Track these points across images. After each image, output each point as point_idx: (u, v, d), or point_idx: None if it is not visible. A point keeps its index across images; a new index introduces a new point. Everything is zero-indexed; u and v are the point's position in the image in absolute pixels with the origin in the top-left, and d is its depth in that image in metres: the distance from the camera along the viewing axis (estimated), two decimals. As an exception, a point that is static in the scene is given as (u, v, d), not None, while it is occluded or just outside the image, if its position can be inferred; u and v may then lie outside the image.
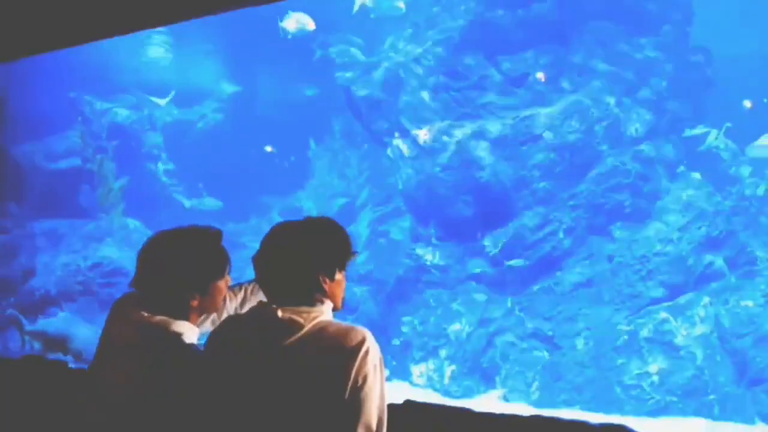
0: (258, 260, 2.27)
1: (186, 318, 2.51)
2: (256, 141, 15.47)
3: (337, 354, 2.08)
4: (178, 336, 2.43)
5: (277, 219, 13.95)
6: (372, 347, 2.11)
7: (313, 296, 2.21)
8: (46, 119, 12.23)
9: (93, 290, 11.13)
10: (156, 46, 14.83)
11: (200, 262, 2.52)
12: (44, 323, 9.16)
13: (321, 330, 2.14)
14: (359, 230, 13.62)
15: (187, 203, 14.53)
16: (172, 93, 15.23)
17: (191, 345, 2.45)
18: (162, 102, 15.11)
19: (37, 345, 8.93)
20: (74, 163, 12.49)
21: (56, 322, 9.18)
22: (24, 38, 3.98)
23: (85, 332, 8.76)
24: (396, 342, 10.53)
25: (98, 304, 10.88)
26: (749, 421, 8.63)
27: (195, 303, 2.51)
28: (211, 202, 14.67)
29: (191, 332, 2.50)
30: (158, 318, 2.44)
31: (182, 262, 2.48)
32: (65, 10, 3.59)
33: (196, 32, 14.92)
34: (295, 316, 2.13)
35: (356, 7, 12.51)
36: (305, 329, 2.12)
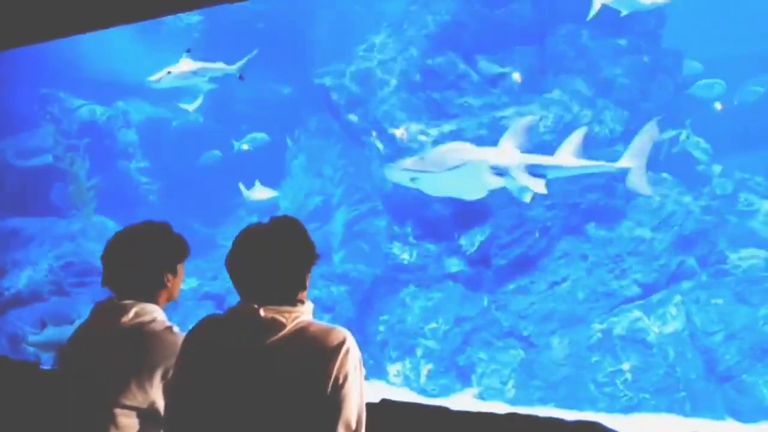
0: (237, 261, 2.25)
1: (156, 304, 2.68)
2: (232, 139, 15.34)
3: (318, 354, 2.10)
4: (154, 318, 2.59)
5: (245, 217, 13.85)
6: (352, 347, 2.15)
7: (295, 296, 2.22)
8: (17, 116, 12.03)
9: (65, 290, 10.96)
10: (131, 43, 14.65)
11: (168, 244, 2.75)
12: (54, 332, 8.59)
13: (302, 330, 2.15)
14: (335, 229, 13.60)
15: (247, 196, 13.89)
16: (201, 99, 15.02)
17: (171, 326, 2.60)
18: (190, 108, 14.91)
19: (46, 357, 8.41)
20: (46, 160, 12.30)
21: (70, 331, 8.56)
22: (-6, 33, 3.91)
23: None
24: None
25: (70, 303, 10.72)
26: (719, 417, 8.79)
27: (169, 284, 2.71)
28: (268, 192, 14.05)
29: (163, 315, 2.66)
30: (131, 303, 2.60)
31: (153, 245, 2.69)
32: (37, 5, 3.54)
33: (172, 29, 14.80)
34: (277, 316, 2.14)
35: None
36: (287, 329, 2.13)
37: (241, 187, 13.77)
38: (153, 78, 9.36)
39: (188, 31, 15.50)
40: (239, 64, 9.39)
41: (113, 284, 2.67)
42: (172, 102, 15.87)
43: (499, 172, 8.27)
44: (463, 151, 8.28)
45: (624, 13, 10.21)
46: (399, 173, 8.46)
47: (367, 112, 11.60)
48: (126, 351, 2.50)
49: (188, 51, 9.26)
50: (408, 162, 8.54)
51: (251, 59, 9.35)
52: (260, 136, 14.77)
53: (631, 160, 8.96)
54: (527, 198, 8.54)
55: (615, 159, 10.90)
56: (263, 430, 2.07)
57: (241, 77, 9.37)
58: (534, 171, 8.41)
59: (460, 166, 7.83)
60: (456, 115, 11.03)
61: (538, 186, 8.29)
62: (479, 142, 10.50)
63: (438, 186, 8.58)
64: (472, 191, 8.62)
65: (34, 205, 11.87)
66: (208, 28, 15.72)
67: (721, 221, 10.71)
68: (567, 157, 8.71)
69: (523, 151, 8.58)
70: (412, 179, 8.27)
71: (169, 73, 9.12)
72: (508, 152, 8.50)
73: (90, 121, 13.67)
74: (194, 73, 9.27)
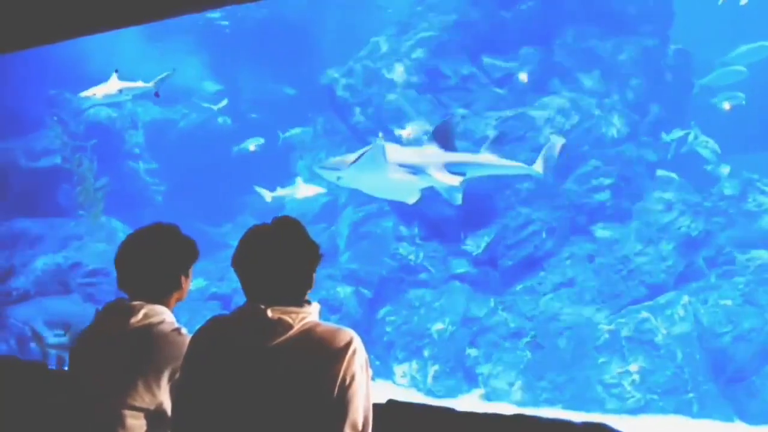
0: (244, 261, 2.25)
1: (166, 305, 2.69)
2: (238, 140, 15.41)
3: (324, 354, 2.10)
4: (163, 319, 2.60)
5: (251, 218, 13.83)
6: (359, 348, 2.15)
7: (302, 296, 2.23)
8: (25, 117, 12.08)
9: (73, 290, 11.00)
10: (138, 43, 14.71)
11: (182, 246, 2.75)
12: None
13: (309, 331, 2.15)
14: (341, 229, 13.59)
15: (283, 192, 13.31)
16: (226, 100, 15.51)
17: (179, 327, 2.60)
18: (215, 107, 15.37)
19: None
20: (54, 161, 12.35)
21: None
22: (2, 35, 3.93)
23: None
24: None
25: (79, 304, 10.75)
26: (728, 418, 8.75)
27: (183, 285, 2.74)
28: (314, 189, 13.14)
29: (172, 316, 2.66)
30: (139, 304, 2.61)
31: (169, 248, 2.71)
32: (43, 7, 3.55)
33: (178, 30, 14.86)
34: (284, 317, 2.14)
35: None
36: (294, 329, 2.13)
37: (276, 190, 13.42)
38: (83, 94, 10.04)
39: (193, 33, 15.56)
40: (156, 80, 9.92)
41: (129, 287, 2.69)
42: (179, 103, 15.93)
43: (416, 170, 8.32)
44: (373, 147, 8.26)
45: (743, 2, 10.31)
46: (323, 172, 8.60)
47: (374, 112, 11.60)
48: (134, 352, 2.51)
49: (116, 71, 9.87)
50: (330, 161, 8.69)
51: (167, 77, 9.92)
52: (303, 129, 14.95)
53: (542, 166, 9.09)
54: (458, 199, 8.63)
55: (622, 158, 10.92)
56: (270, 430, 2.07)
57: (156, 94, 9.93)
58: (454, 169, 8.50)
59: (360, 156, 7.87)
60: (462, 115, 11.02)
61: (454, 181, 8.41)
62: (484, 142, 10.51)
63: (359, 183, 8.67)
64: (395, 188, 8.64)
65: (43, 205, 11.92)
66: (212, 29, 15.77)
67: (730, 222, 10.66)
68: (487, 156, 8.85)
69: (446, 151, 8.65)
70: (338, 178, 8.35)
71: (94, 94, 9.88)
72: (428, 151, 8.61)
73: (97, 123, 13.71)
74: (120, 91, 9.88)
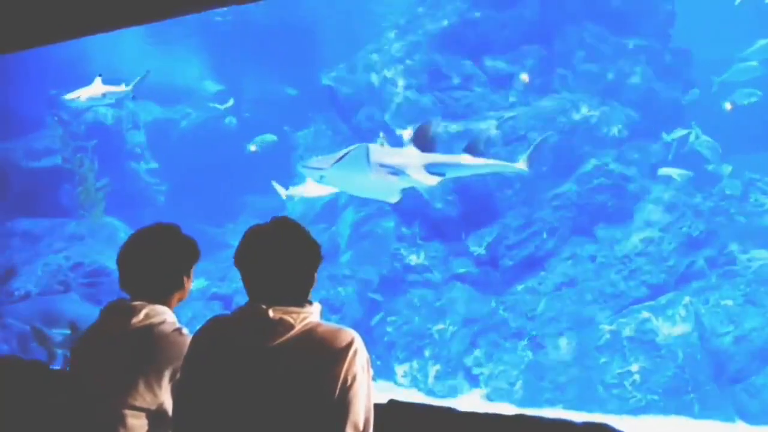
0: (245, 262, 2.26)
1: (167, 305, 2.70)
2: (239, 140, 15.41)
3: (326, 355, 2.10)
4: (164, 319, 2.61)
5: (252, 219, 13.77)
6: (360, 348, 2.15)
7: (304, 296, 2.23)
8: (26, 117, 12.11)
9: (74, 290, 11.00)
10: (139, 43, 14.72)
11: (184, 246, 2.76)
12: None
13: (310, 331, 2.15)
14: (342, 230, 13.59)
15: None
16: (232, 100, 15.76)
17: (180, 327, 2.62)
18: (221, 107, 15.64)
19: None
20: (55, 161, 12.37)
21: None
22: (2, 35, 3.93)
23: None
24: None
25: (80, 303, 10.75)
26: (729, 419, 8.73)
27: (185, 285, 2.75)
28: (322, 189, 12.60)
29: (173, 316, 2.68)
30: (141, 304, 2.61)
31: (172, 248, 2.72)
32: (45, 7, 3.55)
33: (179, 30, 14.87)
34: (286, 317, 2.14)
35: None
36: (295, 330, 2.13)
37: (288, 189, 13.32)
38: (68, 96, 10.46)
39: (194, 33, 15.57)
40: (133, 83, 10.32)
41: (131, 287, 2.70)
42: (181, 103, 15.93)
43: (397, 171, 8.34)
44: (357, 147, 8.26)
45: None
46: (306, 170, 8.63)
47: (375, 112, 11.60)
48: (135, 352, 2.51)
49: (100, 75, 10.32)
50: (314, 160, 8.67)
51: (143, 79, 10.28)
52: (305, 130, 15.05)
53: (527, 164, 9.03)
54: (437, 201, 8.59)
55: (623, 158, 10.91)
56: (271, 431, 2.07)
57: (133, 96, 10.56)
58: (436, 170, 8.48)
59: (343, 157, 7.85)
60: (464, 115, 11.02)
61: (432, 181, 8.41)
62: (488, 142, 10.49)
63: (341, 182, 8.69)
64: (376, 188, 8.64)
65: (43, 205, 11.94)
66: (214, 29, 15.78)
67: (731, 222, 10.65)
68: (468, 156, 8.80)
69: (426, 152, 8.61)
70: (321, 177, 8.35)
71: (78, 97, 10.31)
72: (409, 152, 8.60)
73: (98, 123, 13.72)
74: (103, 95, 10.36)
